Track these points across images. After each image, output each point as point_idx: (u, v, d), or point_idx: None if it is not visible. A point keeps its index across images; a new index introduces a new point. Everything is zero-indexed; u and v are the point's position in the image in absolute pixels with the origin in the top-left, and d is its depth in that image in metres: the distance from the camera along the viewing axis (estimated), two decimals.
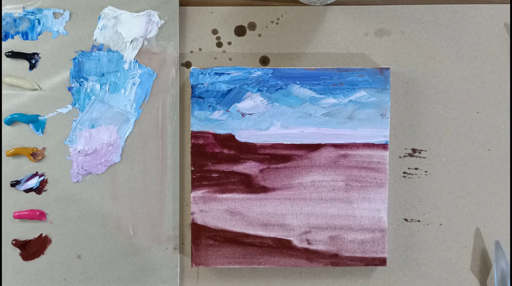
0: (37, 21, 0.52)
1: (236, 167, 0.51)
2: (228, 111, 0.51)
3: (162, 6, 0.52)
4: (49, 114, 0.52)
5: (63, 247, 0.53)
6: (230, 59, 0.53)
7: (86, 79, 0.52)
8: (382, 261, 0.51)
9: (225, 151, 0.51)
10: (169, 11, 0.52)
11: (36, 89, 0.52)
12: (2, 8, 0.52)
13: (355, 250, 0.51)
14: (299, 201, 0.51)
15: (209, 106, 0.51)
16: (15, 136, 0.52)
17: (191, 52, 0.53)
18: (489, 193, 0.53)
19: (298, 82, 0.51)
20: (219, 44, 0.53)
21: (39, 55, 0.52)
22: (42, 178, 0.52)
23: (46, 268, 0.53)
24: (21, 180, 0.52)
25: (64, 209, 0.52)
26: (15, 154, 0.52)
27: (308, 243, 0.51)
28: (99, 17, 0.52)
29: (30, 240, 0.52)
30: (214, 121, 0.51)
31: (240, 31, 0.53)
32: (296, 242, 0.51)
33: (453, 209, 0.53)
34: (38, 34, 0.52)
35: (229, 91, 0.51)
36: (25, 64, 0.52)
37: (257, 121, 0.51)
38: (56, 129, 0.52)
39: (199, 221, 0.51)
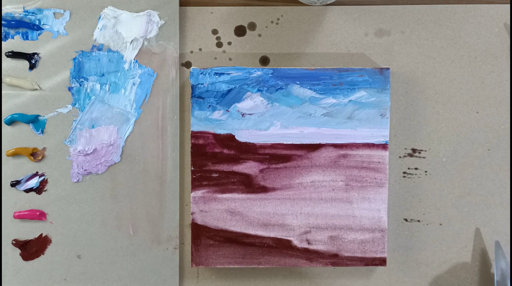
0: (37, 21, 0.52)
1: (236, 167, 0.51)
2: (228, 111, 0.51)
3: (162, 6, 0.52)
4: (49, 114, 0.52)
5: (63, 247, 0.53)
6: (230, 59, 0.53)
7: (86, 79, 0.52)
8: (382, 261, 0.51)
9: (225, 151, 0.51)
10: (169, 11, 0.52)
11: (36, 89, 0.52)
12: (2, 8, 0.52)
13: (355, 250, 0.51)
14: (299, 201, 0.51)
15: (209, 106, 0.51)
16: (15, 136, 0.52)
17: (191, 52, 0.53)
18: (489, 193, 0.53)
19: (298, 82, 0.51)
20: (219, 44, 0.53)
21: (39, 55, 0.52)
22: (42, 178, 0.52)
23: (46, 268, 0.53)
24: (21, 180, 0.52)
25: (64, 209, 0.52)
26: (15, 154, 0.52)
27: (308, 243, 0.51)
28: (99, 17, 0.52)
29: (30, 240, 0.52)
30: (214, 121, 0.51)
31: (240, 31, 0.53)
32: (296, 242, 0.51)
33: (453, 209, 0.53)
34: (38, 34, 0.52)
35: (229, 91, 0.51)
36: (25, 64, 0.52)
37: (257, 121, 0.51)
38: (56, 129, 0.52)
39: (199, 221, 0.51)
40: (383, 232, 0.51)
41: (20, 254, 0.52)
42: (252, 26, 0.53)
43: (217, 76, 0.51)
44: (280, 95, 0.51)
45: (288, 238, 0.51)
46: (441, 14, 0.53)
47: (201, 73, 0.51)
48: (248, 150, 0.51)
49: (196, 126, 0.51)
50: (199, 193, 0.51)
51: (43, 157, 0.52)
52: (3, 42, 0.52)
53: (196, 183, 0.51)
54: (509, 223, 0.53)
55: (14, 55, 0.52)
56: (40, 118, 0.52)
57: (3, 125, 0.52)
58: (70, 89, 0.52)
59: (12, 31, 0.52)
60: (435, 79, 0.53)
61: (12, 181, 0.52)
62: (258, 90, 0.51)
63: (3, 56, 0.52)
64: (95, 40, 0.52)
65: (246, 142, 0.51)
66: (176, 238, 0.53)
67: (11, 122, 0.52)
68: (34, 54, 0.52)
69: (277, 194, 0.51)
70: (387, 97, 0.51)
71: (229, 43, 0.53)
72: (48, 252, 0.53)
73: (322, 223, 0.51)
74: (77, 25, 0.52)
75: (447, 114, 0.53)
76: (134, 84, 0.52)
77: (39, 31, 0.52)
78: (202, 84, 0.51)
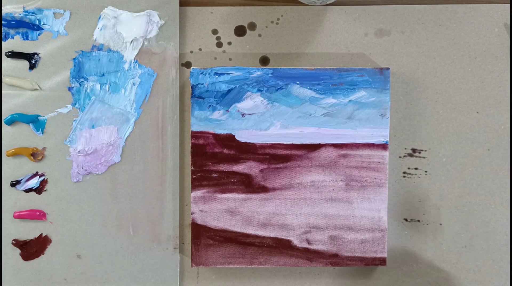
0: (37, 21, 0.52)
1: (236, 167, 0.51)
2: (228, 111, 0.51)
3: (162, 6, 0.52)
4: (49, 114, 0.52)
5: (63, 247, 0.53)
6: (230, 59, 0.53)
7: (86, 79, 0.52)
8: (382, 261, 0.51)
9: (225, 151, 0.51)
10: (169, 11, 0.52)
11: (36, 89, 0.52)
12: (2, 8, 0.52)
13: (355, 250, 0.51)
14: (299, 201, 0.51)
15: (209, 106, 0.51)
16: (15, 136, 0.52)
17: (191, 52, 0.53)
18: (489, 193, 0.53)
19: (298, 82, 0.51)
20: (219, 44, 0.53)
21: (39, 55, 0.52)
22: (42, 178, 0.52)
23: (46, 268, 0.53)
24: (21, 180, 0.52)
25: (64, 209, 0.52)
26: (15, 154, 0.52)
27: (308, 243, 0.51)
28: (99, 17, 0.52)
29: (30, 240, 0.52)
30: (214, 121, 0.51)
31: (240, 31, 0.53)
32: (296, 242, 0.51)
33: (453, 209, 0.53)
34: (38, 34, 0.52)
35: (229, 91, 0.51)
36: (25, 64, 0.52)
37: (257, 121, 0.51)
38: (56, 129, 0.52)
39: (199, 221, 0.51)
40: (383, 232, 0.51)
41: (20, 254, 0.52)
42: (252, 26, 0.53)
43: (217, 76, 0.51)
44: (280, 95, 0.51)
45: (288, 238, 0.51)
46: (441, 14, 0.53)
47: (201, 73, 0.51)
48: (248, 150, 0.51)
49: (196, 126, 0.51)
50: (199, 193, 0.51)
51: (43, 157, 0.52)
52: (3, 42, 0.52)
53: (196, 183, 0.51)
54: (509, 223, 0.53)
55: (14, 55, 0.52)
56: (40, 118, 0.52)
57: (3, 125, 0.52)
58: (70, 89, 0.52)
59: (12, 31, 0.52)
60: (435, 79, 0.53)
61: (12, 181, 0.52)
62: (258, 90, 0.51)
63: (3, 56, 0.52)
64: (95, 40, 0.52)
65: (246, 142, 0.51)
66: (176, 238, 0.53)
67: (11, 122, 0.52)
68: (34, 54, 0.52)
69: (277, 194, 0.51)
70: (387, 97, 0.51)
71: (229, 43, 0.53)
72: (48, 252, 0.53)
73: (322, 223, 0.51)
74: (77, 25, 0.52)
75: (447, 114, 0.53)
76: (134, 84, 0.52)
77: (39, 31, 0.52)
78: (202, 84, 0.51)
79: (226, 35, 0.53)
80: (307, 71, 0.51)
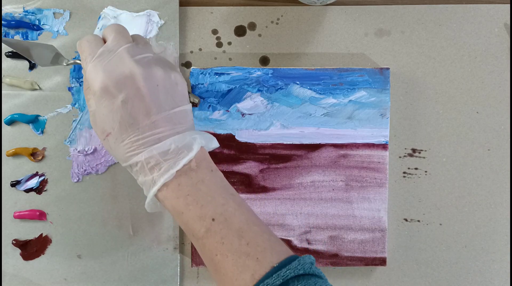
0: (37, 21, 0.52)
1: (236, 167, 0.51)
2: (228, 111, 0.51)
3: (162, 6, 0.52)
4: (49, 114, 0.52)
5: (63, 247, 0.53)
6: (230, 59, 0.53)
7: None
8: (382, 261, 0.51)
9: (225, 151, 0.51)
10: (169, 11, 0.52)
11: (36, 89, 0.52)
12: (2, 8, 0.52)
13: (355, 250, 0.51)
14: (299, 201, 0.51)
15: (209, 106, 0.51)
16: (15, 136, 0.52)
17: (191, 52, 0.53)
18: (489, 193, 0.53)
19: (298, 82, 0.51)
20: (219, 44, 0.53)
21: None
22: (42, 178, 0.52)
23: (46, 268, 0.53)
24: (21, 180, 0.52)
25: (64, 209, 0.52)
26: (15, 154, 0.52)
27: (308, 243, 0.51)
28: (99, 17, 0.52)
29: (30, 240, 0.52)
30: (214, 121, 0.51)
31: (240, 31, 0.53)
32: (296, 242, 0.51)
33: (453, 209, 0.53)
34: (38, 34, 0.52)
35: (229, 91, 0.51)
36: (25, 64, 0.52)
37: (257, 121, 0.51)
38: (56, 129, 0.52)
39: None
40: (383, 232, 0.51)
41: (20, 254, 0.52)
42: (252, 26, 0.53)
43: (217, 76, 0.51)
44: (280, 95, 0.51)
45: (288, 238, 0.51)
46: (441, 14, 0.53)
47: (201, 73, 0.51)
48: (248, 150, 0.51)
49: (196, 126, 0.51)
50: None
51: (43, 157, 0.52)
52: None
53: None
54: (509, 223, 0.53)
55: (14, 55, 0.52)
56: (40, 118, 0.52)
57: (3, 125, 0.52)
58: (70, 89, 0.52)
59: (12, 31, 0.52)
60: (435, 79, 0.53)
61: (12, 181, 0.52)
62: (258, 90, 0.51)
63: (3, 56, 0.52)
64: None
65: (246, 142, 0.51)
66: (176, 238, 0.53)
67: (11, 122, 0.52)
68: None
69: (277, 194, 0.51)
70: (387, 97, 0.51)
71: (229, 43, 0.53)
72: (48, 252, 0.53)
73: (322, 223, 0.51)
74: (77, 25, 0.52)
75: (447, 114, 0.53)
76: None
77: (39, 31, 0.52)
78: (202, 84, 0.51)
79: (226, 35, 0.53)
80: (307, 71, 0.51)
